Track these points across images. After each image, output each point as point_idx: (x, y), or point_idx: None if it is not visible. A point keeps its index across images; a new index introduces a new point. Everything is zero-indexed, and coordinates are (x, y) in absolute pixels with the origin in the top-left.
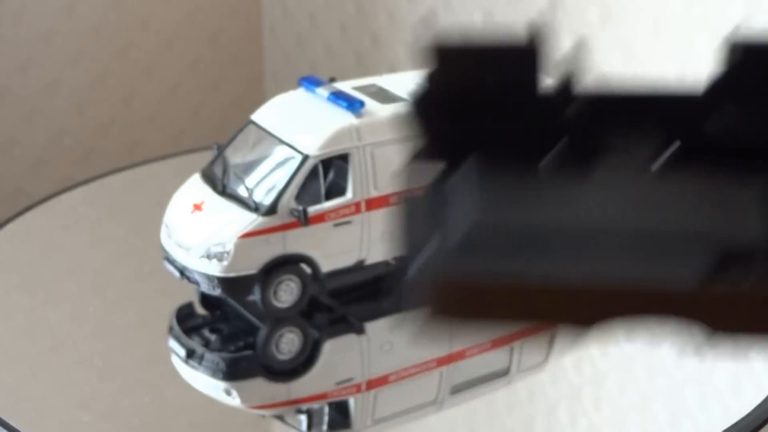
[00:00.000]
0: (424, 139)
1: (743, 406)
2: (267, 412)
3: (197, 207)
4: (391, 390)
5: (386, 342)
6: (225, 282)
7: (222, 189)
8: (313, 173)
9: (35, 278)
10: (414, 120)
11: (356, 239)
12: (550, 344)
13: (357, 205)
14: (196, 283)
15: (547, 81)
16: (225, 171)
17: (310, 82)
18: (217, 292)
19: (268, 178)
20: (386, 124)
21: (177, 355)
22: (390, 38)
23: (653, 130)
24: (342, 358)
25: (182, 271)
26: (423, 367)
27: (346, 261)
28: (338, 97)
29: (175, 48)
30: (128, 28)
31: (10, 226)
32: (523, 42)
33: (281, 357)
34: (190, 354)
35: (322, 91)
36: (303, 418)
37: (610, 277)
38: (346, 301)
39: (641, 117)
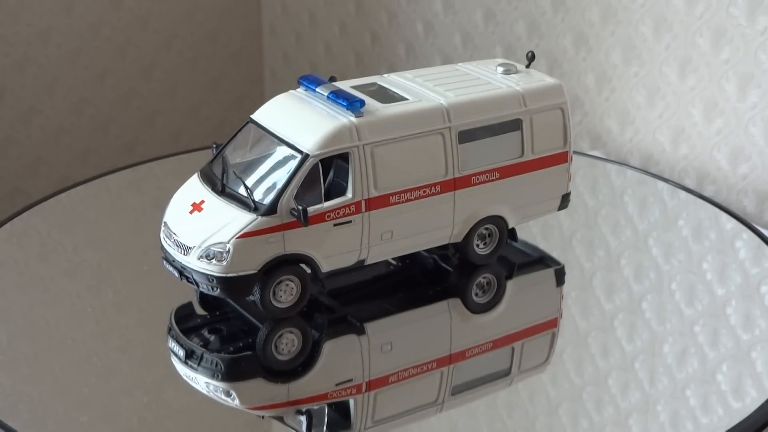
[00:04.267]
0: None
1: (745, 407)
2: (266, 413)
3: (196, 207)
4: (392, 391)
5: (386, 342)
6: (224, 282)
7: (221, 188)
8: (313, 172)
9: (33, 278)
10: None
11: (356, 239)
12: (552, 345)
13: (357, 204)
14: (196, 283)
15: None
16: (224, 170)
17: (310, 81)
18: (216, 292)
19: (268, 178)
20: (386, 124)
21: (176, 355)
22: (390, 37)
23: None
24: (342, 359)
25: (181, 271)
26: (423, 368)
27: (346, 261)
28: (338, 96)
29: (174, 47)
30: (127, 26)
31: (8, 226)
32: None
33: (281, 358)
34: (189, 354)
35: (322, 90)
36: (303, 419)
37: None
38: (346, 301)
39: None
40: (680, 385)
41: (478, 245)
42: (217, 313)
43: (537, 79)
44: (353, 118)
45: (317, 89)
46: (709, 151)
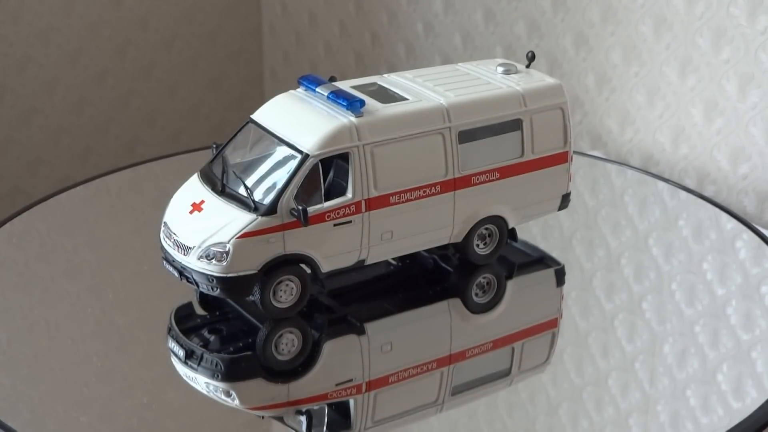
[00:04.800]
0: None
1: (745, 407)
2: (266, 413)
3: (196, 207)
4: (392, 391)
5: (386, 342)
6: (224, 282)
7: (221, 189)
8: (313, 172)
9: (33, 278)
10: None
11: (356, 239)
12: (552, 345)
13: (357, 204)
14: (195, 283)
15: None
16: (224, 170)
17: (310, 81)
18: (216, 292)
19: (268, 178)
20: (386, 124)
21: (176, 355)
22: (390, 37)
23: None
24: (342, 359)
25: (181, 272)
26: (423, 368)
27: (346, 261)
28: (338, 96)
29: (174, 47)
30: (127, 26)
31: (8, 226)
32: None
33: (281, 358)
34: (189, 355)
35: (322, 90)
36: (303, 419)
37: None
38: (346, 301)
39: None
40: (680, 385)
41: (478, 245)
42: (217, 313)
43: (537, 79)
44: (353, 118)
45: (317, 89)
46: (710, 151)
